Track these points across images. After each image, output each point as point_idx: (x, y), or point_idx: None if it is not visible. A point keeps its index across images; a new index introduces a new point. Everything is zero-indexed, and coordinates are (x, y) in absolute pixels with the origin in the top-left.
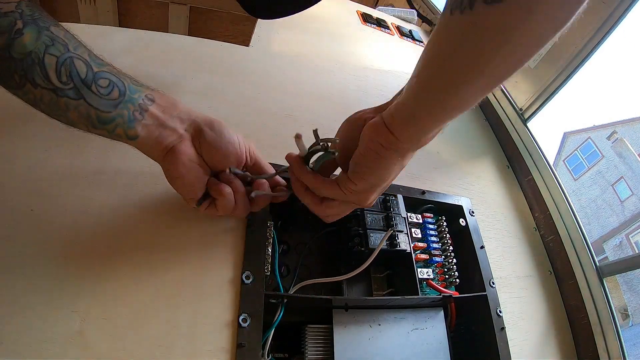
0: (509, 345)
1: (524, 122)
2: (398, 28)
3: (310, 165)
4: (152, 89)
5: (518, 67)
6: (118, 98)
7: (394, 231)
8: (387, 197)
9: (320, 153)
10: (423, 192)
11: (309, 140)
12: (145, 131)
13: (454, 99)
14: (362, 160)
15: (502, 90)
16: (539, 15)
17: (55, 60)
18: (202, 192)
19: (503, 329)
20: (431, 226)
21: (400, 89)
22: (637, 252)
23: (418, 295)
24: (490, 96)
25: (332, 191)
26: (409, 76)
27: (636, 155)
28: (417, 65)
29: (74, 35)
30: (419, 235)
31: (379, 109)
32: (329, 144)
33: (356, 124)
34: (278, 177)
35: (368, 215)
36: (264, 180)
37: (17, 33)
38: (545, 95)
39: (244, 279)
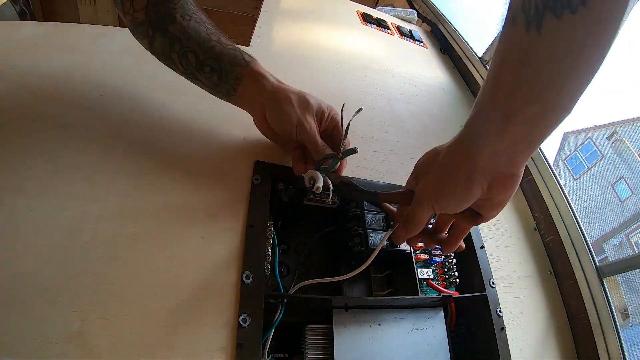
0: (509, 345)
1: None
2: (398, 28)
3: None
4: (244, 64)
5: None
6: (217, 80)
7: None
8: None
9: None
10: None
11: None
12: (238, 102)
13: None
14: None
15: None
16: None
17: (177, 57)
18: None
19: (503, 329)
20: (431, 226)
21: (393, 89)
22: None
23: (418, 295)
24: None
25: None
26: (409, 76)
27: (636, 155)
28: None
29: (192, 16)
30: None
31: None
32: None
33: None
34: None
35: (368, 215)
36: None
37: (151, 40)
38: None
39: (244, 279)
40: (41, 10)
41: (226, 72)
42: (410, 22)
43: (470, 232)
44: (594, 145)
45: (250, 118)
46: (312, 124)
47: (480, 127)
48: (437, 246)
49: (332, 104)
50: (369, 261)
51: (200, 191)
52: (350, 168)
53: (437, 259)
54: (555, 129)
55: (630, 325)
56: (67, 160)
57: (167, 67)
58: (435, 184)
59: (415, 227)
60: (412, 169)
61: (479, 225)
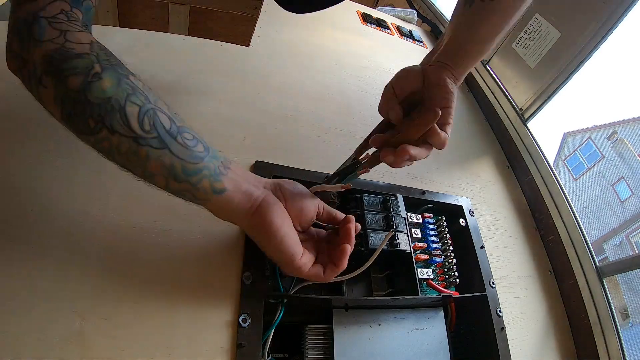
0: (509, 345)
1: (524, 122)
2: (398, 28)
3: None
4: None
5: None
6: (203, 152)
7: (395, 232)
8: (387, 197)
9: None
10: (423, 192)
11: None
12: (232, 185)
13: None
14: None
15: (502, 90)
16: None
17: (138, 110)
18: (301, 251)
19: (503, 329)
20: (431, 226)
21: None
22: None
23: (418, 295)
24: (491, 96)
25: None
26: None
27: (636, 155)
28: (448, 33)
29: (150, 88)
30: (419, 235)
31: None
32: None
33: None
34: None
35: (368, 215)
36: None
37: (95, 77)
38: (545, 95)
39: (244, 279)
40: None
41: (211, 148)
42: (410, 22)
43: (470, 233)
44: (594, 145)
45: (251, 119)
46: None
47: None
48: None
49: (332, 104)
50: (370, 262)
51: None
52: None
53: (437, 259)
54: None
55: (630, 325)
56: (67, 160)
57: (167, 67)
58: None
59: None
60: (412, 169)
61: (479, 225)
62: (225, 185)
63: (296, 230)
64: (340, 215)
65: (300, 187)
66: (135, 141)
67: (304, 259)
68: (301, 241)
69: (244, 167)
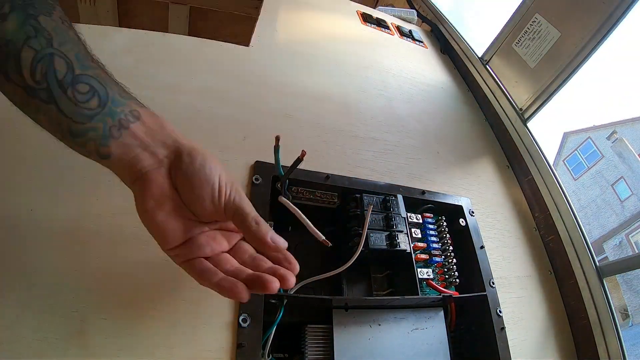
0: (509, 345)
1: (524, 122)
2: (398, 28)
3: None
4: (141, 105)
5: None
6: (96, 108)
7: (394, 230)
8: (387, 197)
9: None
10: (423, 192)
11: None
12: (120, 151)
13: None
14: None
15: (502, 90)
16: None
17: (33, 55)
18: (178, 242)
19: (503, 329)
20: (431, 226)
21: (393, 89)
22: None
23: (418, 295)
24: (490, 96)
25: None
26: (409, 76)
27: (636, 155)
28: None
29: (70, 28)
30: (419, 235)
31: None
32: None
33: None
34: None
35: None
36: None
37: (1, 17)
38: (545, 95)
39: None
40: None
41: (114, 101)
42: (410, 22)
43: (470, 233)
44: (593, 145)
45: (251, 119)
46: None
47: None
48: None
49: (332, 104)
50: (361, 242)
51: None
52: (351, 168)
53: (437, 259)
54: None
55: (630, 325)
56: (67, 160)
57: (167, 67)
58: None
59: None
60: (412, 169)
61: (479, 225)
62: (111, 150)
63: (188, 218)
64: (263, 231)
65: (205, 171)
66: (25, 91)
67: (179, 250)
68: (206, 234)
69: (244, 166)
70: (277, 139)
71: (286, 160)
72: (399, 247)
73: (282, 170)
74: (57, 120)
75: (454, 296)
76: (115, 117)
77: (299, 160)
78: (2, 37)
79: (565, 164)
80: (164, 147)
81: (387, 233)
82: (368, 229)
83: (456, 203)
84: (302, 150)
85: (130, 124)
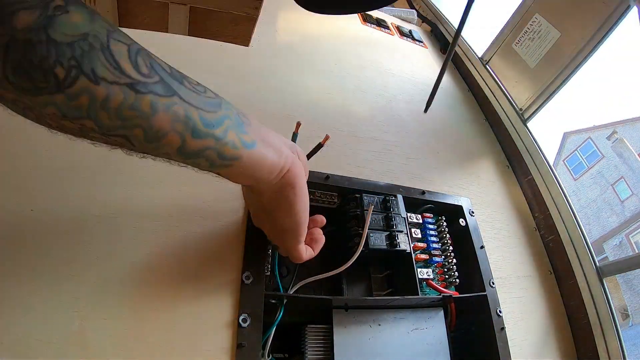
0: (509, 345)
1: (524, 122)
2: (398, 28)
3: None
4: None
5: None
6: (216, 97)
7: (394, 230)
8: (387, 197)
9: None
10: (423, 192)
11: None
12: (260, 137)
13: None
14: None
15: (502, 90)
16: None
17: (127, 48)
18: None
19: (503, 329)
20: (431, 226)
21: (393, 89)
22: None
23: (418, 295)
24: (490, 96)
25: None
26: (409, 76)
27: (636, 155)
28: None
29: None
30: (419, 235)
31: None
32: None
33: None
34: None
35: None
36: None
37: (57, 9)
38: (545, 95)
39: (244, 279)
40: None
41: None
42: (410, 22)
43: (470, 233)
44: (594, 145)
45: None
46: None
47: None
48: None
49: (332, 104)
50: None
51: (200, 191)
52: (351, 168)
53: (437, 259)
54: None
55: (630, 325)
56: (67, 160)
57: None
58: None
59: None
60: (412, 169)
61: (479, 225)
62: (253, 137)
63: None
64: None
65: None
66: (131, 88)
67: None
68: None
69: None
70: (298, 125)
71: None
72: (399, 247)
73: None
74: (184, 113)
75: (453, 296)
76: (233, 106)
77: (320, 145)
78: (74, 30)
79: (565, 164)
80: (276, 135)
81: (387, 233)
82: (368, 229)
83: (456, 203)
84: (326, 135)
85: (244, 111)
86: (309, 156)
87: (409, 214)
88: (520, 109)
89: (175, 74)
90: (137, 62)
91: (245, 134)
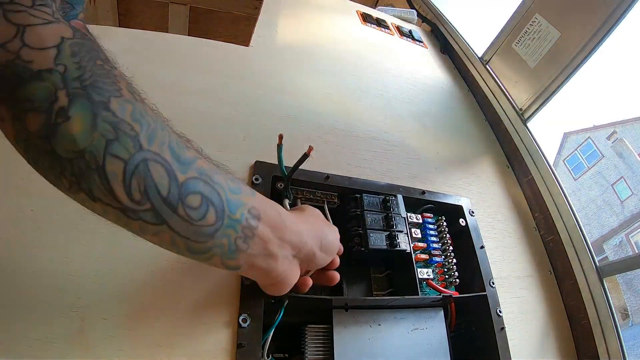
0: (509, 345)
1: (524, 122)
2: (398, 28)
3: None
4: (253, 193)
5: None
6: (215, 223)
7: (394, 230)
8: (387, 197)
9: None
10: (423, 192)
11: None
12: (249, 262)
13: None
14: None
15: (502, 90)
16: None
17: (123, 168)
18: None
19: (503, 329)
20: (431, 226)
21: (393, 89)
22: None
23: (418, 295)
24: (490, 96)
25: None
26: (409, 76)
27: (636, 155)
28: None
29: (143, 100)
30: (419, 235)
31: None
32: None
33: None
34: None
35: (368, 215)
36: None
37: (60, 115)
38: (545, 95)
39: (243, 279)
40: None
41: (230, 204)
42: (410, 22)
43: (470, 233)
44: (593, 145)
45: (251, 119)
46: None
47: None
48: None
49: (332, 104)
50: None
51: None
52: (351, 168)
53: (437, 259)
54: None
55: (630, 325)
56: None
57: (167, 67)
58: None
59: None
60: (412, 169)
61: (479, 225)
62: (240, 263)
63: None
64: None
65: (334, 247)
66: (123, 213)
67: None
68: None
69: (244, 166)
70: (281, 137)
71: (286, 161)
72: (399, 247)
73: (285, 170)
74: (170, 240)
75: (454, 296)
76: (238, 227)
77: (306, 156)
78: (73, 146)
79: (565, 164)
80: (291, 247)
81: (387, 233)
82: (368, 228)
83: (456, 203)
84: (310, 146)
85: (255, 230)
86: (295, 167)
87: (409, 214)
88: (520, 109)
89: (172, 197)
90: (130, 187)
91: (231, 260)
